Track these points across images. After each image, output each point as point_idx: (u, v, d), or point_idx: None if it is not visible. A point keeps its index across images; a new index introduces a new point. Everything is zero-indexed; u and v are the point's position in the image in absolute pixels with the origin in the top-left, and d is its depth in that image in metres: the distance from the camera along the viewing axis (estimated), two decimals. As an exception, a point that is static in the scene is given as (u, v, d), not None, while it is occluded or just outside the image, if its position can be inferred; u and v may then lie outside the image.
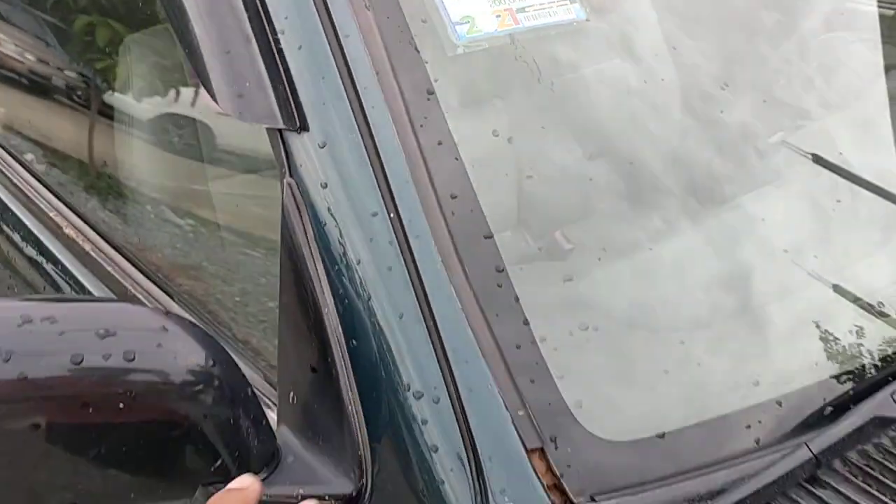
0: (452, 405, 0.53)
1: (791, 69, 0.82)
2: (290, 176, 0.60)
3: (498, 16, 0.61)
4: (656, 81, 0.72)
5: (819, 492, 0.53)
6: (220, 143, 0.99)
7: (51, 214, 1.07)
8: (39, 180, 1.15)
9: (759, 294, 0.62)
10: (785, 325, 0.61)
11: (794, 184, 0.74)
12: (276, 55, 0.60)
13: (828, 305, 0.62)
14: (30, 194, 1.12)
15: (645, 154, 0.65)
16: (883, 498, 0.52)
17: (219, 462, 0.56)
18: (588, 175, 0.64)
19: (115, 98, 1.14)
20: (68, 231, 1.02)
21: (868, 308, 0.61)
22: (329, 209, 0.58)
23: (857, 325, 0.61)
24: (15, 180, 1.16)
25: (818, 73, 0.84)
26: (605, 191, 0.64)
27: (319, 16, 0.59)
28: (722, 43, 0.81)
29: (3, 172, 1.19)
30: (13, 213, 1.12)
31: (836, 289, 0.62)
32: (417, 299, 0.55)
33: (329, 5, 0.60)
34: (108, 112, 1.13)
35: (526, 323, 0.55)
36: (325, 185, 0.58)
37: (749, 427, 0.55)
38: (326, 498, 0.58)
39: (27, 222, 1.10)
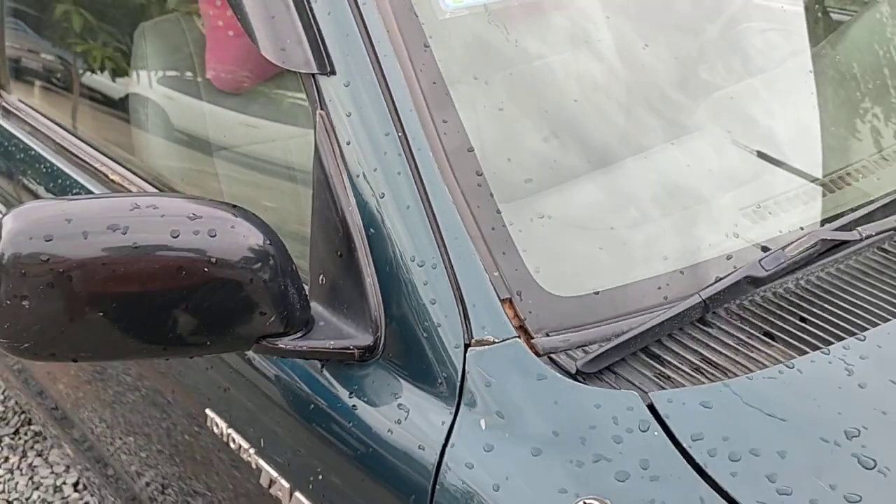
0: (446, 270, 0.73)
1: (708, 49, 1.04)
2: (322, 109, 0.80)
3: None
4: (598, 46, 0.93)
5: (707, 329, 0.74)
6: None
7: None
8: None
9: (669, 198, 0.83)
10: (686, 221, 0.83)
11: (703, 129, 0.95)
12: (311, 19, 0.79)
13: (714, 210, 0.84)
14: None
15: (588, 96, 0.86)
16: (752, 332, 0.74)
17: (271, 320, 0.75)
18: (546, 108, 0.85)
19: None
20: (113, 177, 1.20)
21: (746, 208, 0.83)
22: (352, 132, 0.78)
23: (737, 222, 0.82)
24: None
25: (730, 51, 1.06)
26: (559, 121, 0.84)
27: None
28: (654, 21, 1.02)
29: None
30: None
31: (716, 195, 0.84)
32: (419, 196, 0.75)
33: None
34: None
35: (498, 212, 0.75)
36: (348, 115, 0.78)
37: (659, 288, 0.76)
38: (351, 348, 0.78)
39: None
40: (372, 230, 0.76)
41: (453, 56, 0.81)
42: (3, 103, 1.41)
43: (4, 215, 0.70)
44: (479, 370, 0.70)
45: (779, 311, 0.75)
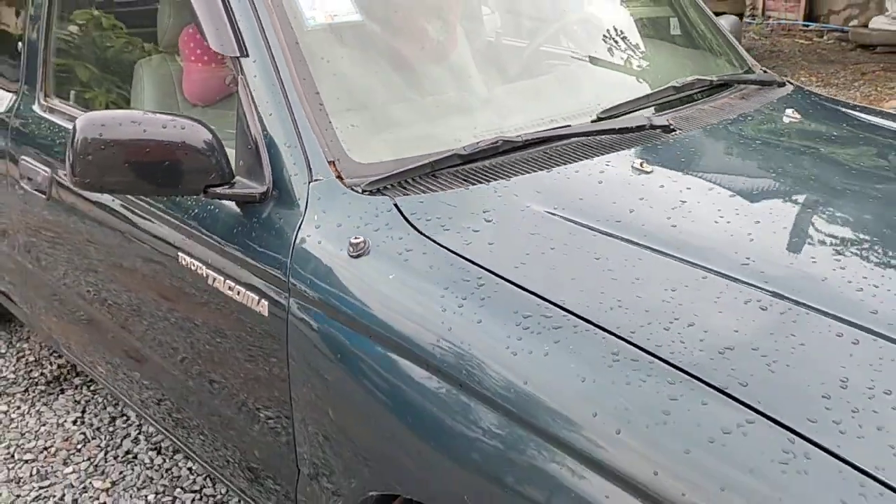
0: (302, 151, 1.45)
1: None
2: (242, 75, 1.53)
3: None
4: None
5: (436, 178, 1.46)
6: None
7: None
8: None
9: (469, 94, 1.58)
10: (435, 127, 1.57)
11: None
12: (237, 30, 1.53)
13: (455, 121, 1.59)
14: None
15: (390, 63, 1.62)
16: (455, 178, 1.46)
17: (212, 177, 1.46)
18: (361, 75, 1.60)
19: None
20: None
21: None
22: (256, 85, 1.51)
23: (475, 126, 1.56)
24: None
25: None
26: (369, 79, 1.60)
27: (254, 3, 1.53)
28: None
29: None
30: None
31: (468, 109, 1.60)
32: (289, 114, 1.47)
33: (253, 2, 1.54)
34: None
35: (330, 122, 1.48)
36: (254, 77, 1.51)
37: (412, 161, 1.49)
38: (255, 194, 1.48)
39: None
40: (265, 134, 1.49)
41: (311, 48, 1.55)
42: (48, 103, 2.13)
43: (78, 119, 1.42)
44: (315, 193, 1.42)
45: (469, 173, 1.48)
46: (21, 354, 3.25)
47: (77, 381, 3.06)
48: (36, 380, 3.07)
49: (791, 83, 2.21)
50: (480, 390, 1.12)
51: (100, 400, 2.93)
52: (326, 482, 1.42)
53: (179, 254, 1.63)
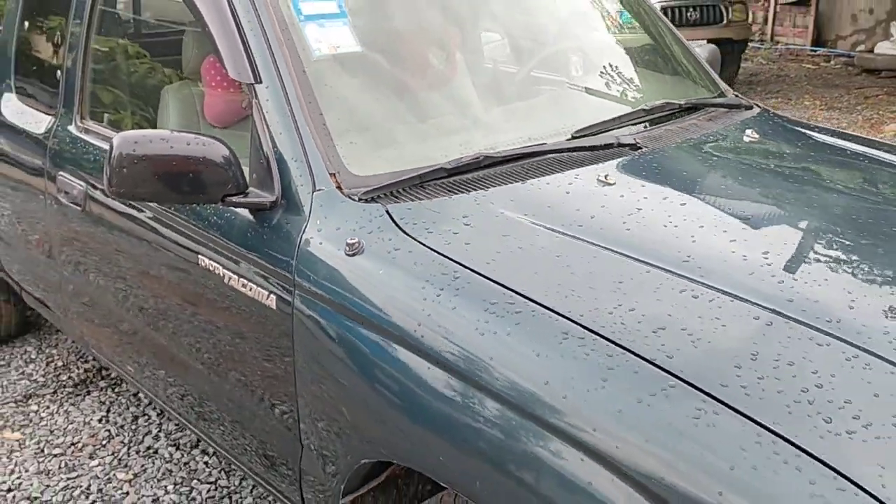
0: (307, 166, 1.67)
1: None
2: (256, 99, 1.75)
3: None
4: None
5: (424, 189, 1.67)
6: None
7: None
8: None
9: (458, 115, 1.80)
10: (427, 146, 1.78)
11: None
12: (251, 60, 1.76)
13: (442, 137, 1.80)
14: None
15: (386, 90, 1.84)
16: (441, 188, 1.67)
17: (228, 187, 1.68)
18: (359, 99, 1.82)
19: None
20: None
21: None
22: (269, 108, 1.73)
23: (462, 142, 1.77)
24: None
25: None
26: (367, 105, 1.82)
27: (267, 32, 1.76)
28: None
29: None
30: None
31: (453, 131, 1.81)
32: (297, 135, 1.69)
33: (267, 38, 1.77)
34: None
35: (332, 140, 1.69)
36: (267, 101, 1.73)
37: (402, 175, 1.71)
38: (265, 202, 1.70)
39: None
40: (275, 150, 1.71)
41: (317, 76, 1.77)
42: (83, 125, 2.37)
43: (115, 137, 1.64)
44: (318, 201, 1.63)
45: (453, 184, 1.69)
46: (50, 359, 3.48)
47: (102, 383, 3.28)
48: (64, 382, 3.29)
49: (759, 106, 2.41)
50: (454, 366, 1.32)
51: (123, 401, 3.15)
52: (325, 453, 1.62)
53: (200, 256, 1.84)
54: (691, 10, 8.79)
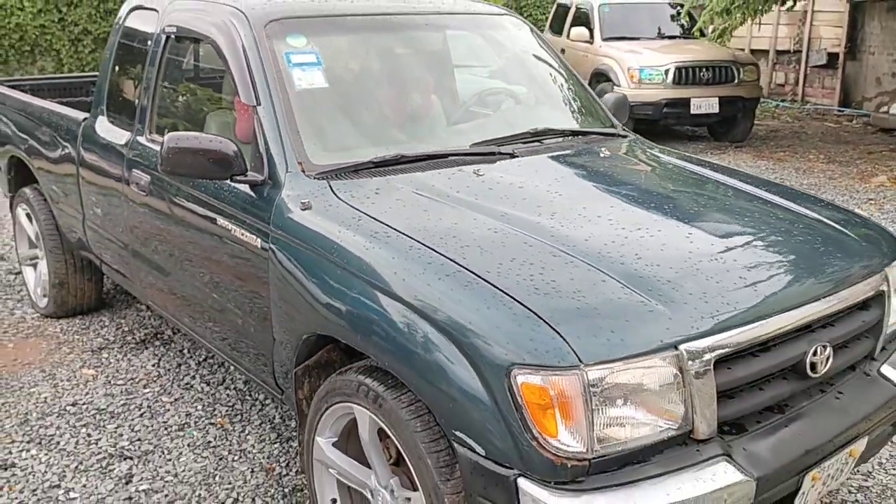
0: (284, 161, 2.61)
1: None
2: (257, 115, 2.72)
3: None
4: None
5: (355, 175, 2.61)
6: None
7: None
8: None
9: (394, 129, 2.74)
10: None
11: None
12: (255, 92, 2.73)
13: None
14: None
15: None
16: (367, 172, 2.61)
17: (234, 169, 2.63)
18: (331, 121, 2.77)
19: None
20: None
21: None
22: (264, 125, 2.69)
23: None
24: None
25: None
26: (342, 122, 2.77)
27: (266, 72, 2.73)
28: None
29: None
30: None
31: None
32: (281, 143, 2.63)
33: (266, 76, 2.75)
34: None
35: (303, 147, 2.65)
36: (264, 117, 2.70)
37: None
38: (259, 180, 2.65)
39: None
40: (266, 147, 2.66)
41: (297, 102, 2.73)
42: (151, 138, 3.38)
43: (166, 136, 2.62)
44: (289, 178, 2.58)
45: (375, 172, 2.61)
46: (118, 326, 4.50)
47: (157, 342, 4.27)
48: (128, 341, 4.29)
49: (632, 134, 3.30)
50: (353, 270, 2.23)
51: (171, 354, 4.13)
52: (284, 339, 2.54)
53: (218, 217, 2.80)
54: (704, 70, 9.65)
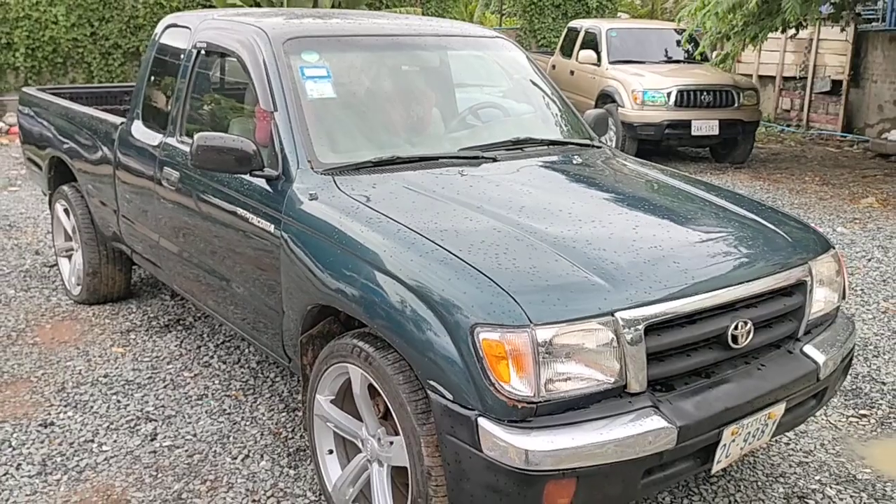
0: (297, 158, 3.06)
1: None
2: (273, 121, 3.16)
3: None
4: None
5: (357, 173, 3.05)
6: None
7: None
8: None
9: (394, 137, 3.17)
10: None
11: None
12: (272, 98, 3.18)
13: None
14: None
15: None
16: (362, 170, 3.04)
17: (253, 165, 3.07)
18: (340, 127, 3.20)
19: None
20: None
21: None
22: (280, 128, 3.13)
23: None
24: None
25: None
26: (351, 129, 3.20)
27: (283, 83, 3.18)
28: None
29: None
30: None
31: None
32: (294, 141, 3.07)
33: (283, 87, 3.19)
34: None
35: (313, 147, 3.08)
36: (280, 120, 3.14)
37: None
38: (275, 175, 3.08)
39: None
40: (281, 147, 3.10)
41: (309, 109, 3.16)
42: (181, 139, 3.83)
43: (196, 136, 3.06)
44: (299, 174, 3.01)
45: (374, 171, 3.05)
46: (145, 312, 4.94)
47: (179, 327, 4.71)
48: (153, 325, 4.74)
49: (605, 146, 3.72)
50: (351, 249, 2.66)
51: (193, 337, 4.56)
52: (291, 311, 2.97)
53: (237, 208, 3.24)
54: (705, 93, 10.07)
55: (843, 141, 13.13)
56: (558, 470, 2.22)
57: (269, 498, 3.06)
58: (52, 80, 13.01)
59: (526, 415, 2.25)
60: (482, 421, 2.25)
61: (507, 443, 2.21)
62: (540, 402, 2.25)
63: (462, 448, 2.29)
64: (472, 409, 2.28)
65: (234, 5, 10.96)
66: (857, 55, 13.60)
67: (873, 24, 13.20)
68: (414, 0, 15.12)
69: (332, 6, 11.79)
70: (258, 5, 11.24)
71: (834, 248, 3.01)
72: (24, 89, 5.73)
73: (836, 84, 13.85)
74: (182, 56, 3.95)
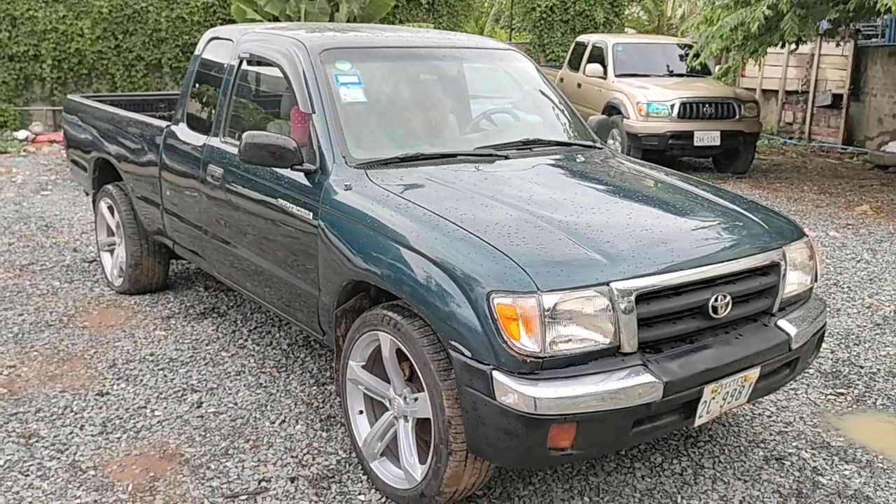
0: (333, 154, 3.47)
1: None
2: (311, 122, 3.57)
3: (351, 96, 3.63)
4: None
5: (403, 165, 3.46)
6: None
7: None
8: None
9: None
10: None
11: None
12: (311, 102, 3.60)
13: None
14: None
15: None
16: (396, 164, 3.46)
17: (293, 161, 3.48)
18: (372, 128, 3.62)
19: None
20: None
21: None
22: (317, 129, 3.55)
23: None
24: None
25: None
26: (380, 131, 3.62)
27: (320, 89, 3.60)
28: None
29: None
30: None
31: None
32: (329, 139, 3.50)
33: (320, 92, 3.61)
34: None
35: (347, 146, 3.50)
36: (317, 121, 3.56)
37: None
38: (313, 169, 3.50)
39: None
40: (318, 145, 3.52)
41: (343, 112, 3.58)
42: (223, 140, 4.25)
43: (244, 134, 3.48)
44: (335, 168, 3.43)
45: (401, 165, 3.46)
46: (182, 301, 5.36)
47: (215, 314, 5.13)
48: (191, 312, 5.16)
49: (606, 148, 4.13)
50: (382, 231, 3.06)
51: (228, 323, 4.98)
52: (326, 287, 3.38)
53: (278, 199, 3.66)
54: (707, 105, 10.48)
55: (844, 153, 13.50)
56: (561, 415, 2.61)
57: (305, 455, 3.46)
58: (77, 91, 13.50)
59: (534, 368, 2.64)
60: (496, 374, 2.65)
61: (517, 391, 2.60)
62: (546, 357, 2.64)
63: (479, 397, 2.69)
64: (487, 364, 2.67)
65: (252, 20, 11.43)
66: (858, 70, 13.99)
67: (873, 39, 13.61)
68: (426, 15, 15.61)
69: (348, 20, 12.26)
70: (276, 19, 11.70)
71: (807, 236, 3.41)
72: (69, 97, 6.18)
73: (837, 98, 14.25)
74: (225, 65, 4.38)
